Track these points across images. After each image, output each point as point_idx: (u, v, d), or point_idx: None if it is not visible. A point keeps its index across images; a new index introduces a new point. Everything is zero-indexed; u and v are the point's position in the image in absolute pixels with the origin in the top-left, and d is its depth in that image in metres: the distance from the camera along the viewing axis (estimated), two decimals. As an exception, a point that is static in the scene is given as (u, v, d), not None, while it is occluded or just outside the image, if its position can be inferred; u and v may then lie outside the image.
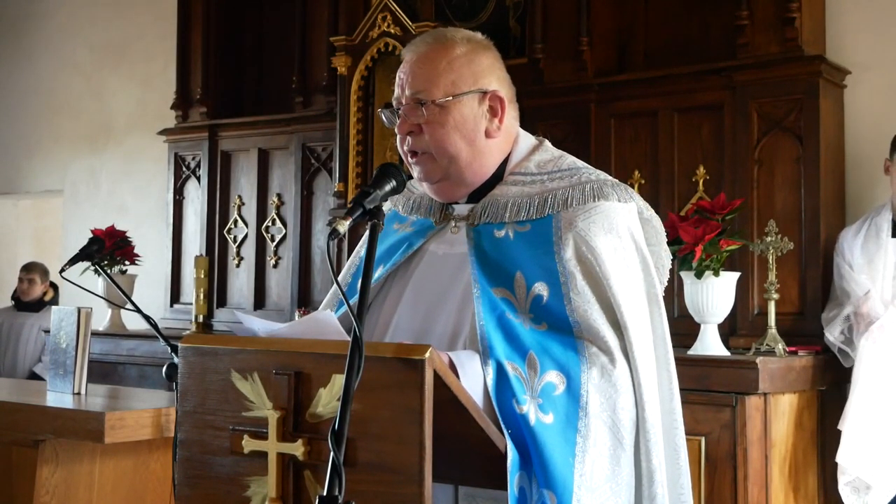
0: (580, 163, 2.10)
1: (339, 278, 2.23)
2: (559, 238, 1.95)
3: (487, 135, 2.04)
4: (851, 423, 4.10)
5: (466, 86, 2.01)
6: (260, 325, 1.90)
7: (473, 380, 1.80)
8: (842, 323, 4.30)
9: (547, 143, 2.14)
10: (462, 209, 2.09)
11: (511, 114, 2.08)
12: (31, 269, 7.33)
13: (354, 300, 1.65)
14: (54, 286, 7.50)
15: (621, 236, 1.98)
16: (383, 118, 2.10)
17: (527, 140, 2.13)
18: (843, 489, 4.12)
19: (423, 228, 2.12)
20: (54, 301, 7.37)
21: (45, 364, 6.94)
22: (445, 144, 2.00)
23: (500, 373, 1.82)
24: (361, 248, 2.25)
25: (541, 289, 1.92)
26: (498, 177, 2.07)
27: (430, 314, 2.01)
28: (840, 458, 4.10)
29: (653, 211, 2.11)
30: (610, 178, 2.06)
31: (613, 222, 1.98)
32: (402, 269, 2.10)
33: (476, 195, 2.07)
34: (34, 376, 6.84)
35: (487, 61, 2.06)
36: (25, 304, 7.32)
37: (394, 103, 2.06)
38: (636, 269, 1.99)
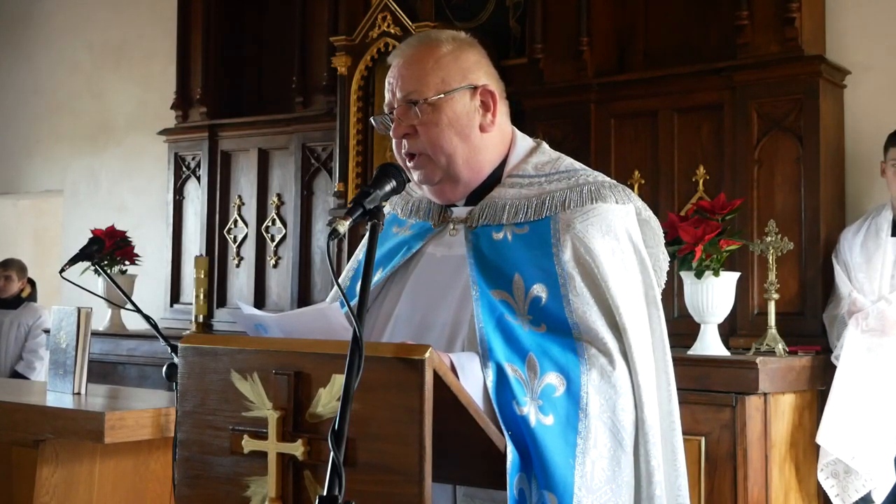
0: (578, 164, 2.10)
1: (339, 280, 2.23)
2: (557, 240, 1.96)
3: (482, 129, 2.05)
4: (832, 406, 4.14)
5: (456, 82, 2.02)
6: (262, 313, 1.91)
7: (473, 382, 1.80)
8: (838, 324, 4.33)
9: (544, 144, 2.15)
10: (460, 211, 2.09)
11: (502, 110, 2.08)
12: (8, 266, 7.20)
13: (354, 301, 1.65)
14: (32, 282, 7.39)
15: (619, 238, 1.99)
16: (376, 126, 2.10)
17: (524, 142, 2.13)
18: (822, 474, 4.16)
19: (422, 231, 2.13)
20: (32, 297, 7.29)
21: (26, 362, 6.90)
22: (441, 142, 2.00)
23: (500, 375, 1.82)
24: (360, 251, 2.25)
25: (539, 290, 1.92)
26: (496, 179, 2.08)
27: (427, 315, 2.01)
28: (820, 438, 4.13)
29: (651, 212, 2.11)
30: (608, 179, 2.06)
31: (611, 224, 1.98)
32: (400, 271, 2.10)
33: (474, 197, 2.07)
34: (16, 375, 6.79)
35: (474, 57, 2.07)
36: (2, 302, 7.17)
37: (385, 109, 2.06)
38: (634, 271, 2.00)
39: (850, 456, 4.08)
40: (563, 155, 2.13)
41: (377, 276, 2.09)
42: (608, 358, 1.88)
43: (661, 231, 2.15)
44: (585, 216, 1.97)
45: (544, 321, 1.90)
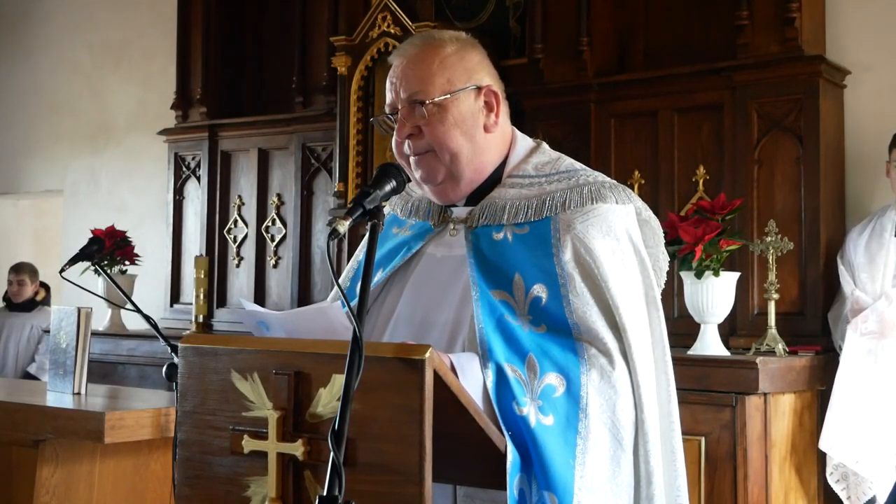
0: (578, 164, 2.10)
1: (339, 281, 2.23)
2: (558, 240, 1.96)
3: (486, 129, 2.05)
4: (834, 410, 4.14)
5: (461, 82, 2.02)
6: (264, 310, 1.92)
7: (474, 382, 1.80)
8: (842, 324, 4.34)
9: (544, 145, 2.15)
10: (460, 212, 2.09)
11: (504, 110, 2.09)
12: (21, 271, 7.19)
13: (354, 301, 1.65)
14: (45, 286, 7.40)
15: (619, 239, 1.99)
16: (378, 126, 2.10)
17: (524, 142, 2.14)
18: (831, 477, 4.17)
19: (422, 231, 2.13)
20: (46, 301, 7.30)
21: (39, 364, 6.89)
22: (447, 141, 2.00)
23: (500, 375, 1.82)
24: (360, 252, 2.25)
25: (539, 291, 1.92)
26: (496, 179, 2.08)
27: (428, 315, 2.01)
28: (823, 444, 4.13)
29: (651, 212, 2.11)
30: (608, 179, 2.06)
31: (611, 225, 1.98)
32: (401, 271, 2.10)
33: (474, 198, 2.07)
34: (28, 377, 6.78)
35: (477, 58, 2.07)
36: (17, 305, 7.21)
37: (387, 109, 2.05)
38: (634, 271, 2.00)
39: (853, 460, 4.08)
40: (563, 155, 2.13)
41: (377, 277, 2.10)
42: (608, 358, 1.88)
43: (661, 231, 2.15)
44: (586, 217, 1.97)
45: (544, 321, 1.90)
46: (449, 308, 1.99)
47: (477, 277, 1.96)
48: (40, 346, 6.98)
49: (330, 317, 1.80)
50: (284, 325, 1.88)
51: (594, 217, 1.97)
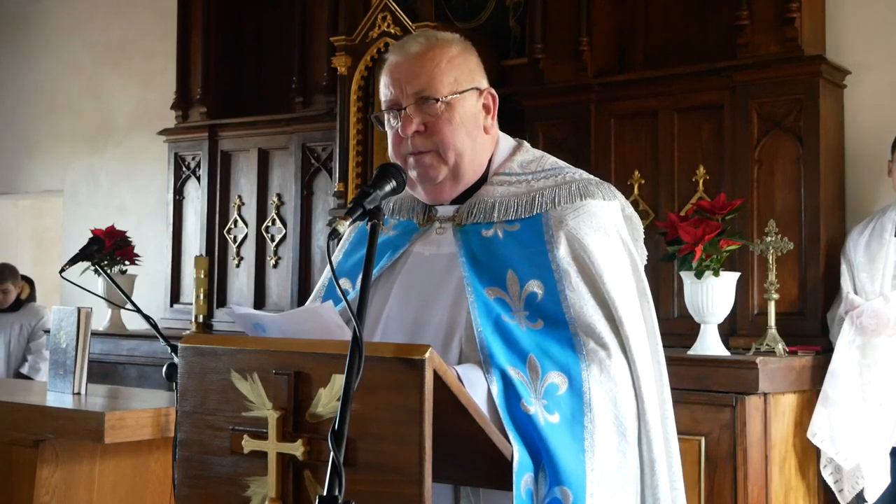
0: (562, 162, 2.14)
1: (319, 284, 2.24)
2: (551, 236, 1.98)
3: (485, 131, 2.08)
4: (821, 401, 4.15)
5: (466, 83, 2.04)
6: (257, 312, 1.92)
7: (479, 393, 1.81)
8: (838, 324, 4.34)
9: (526, 144, 2.19)
10: (446, 210, 2.10)
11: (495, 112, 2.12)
12: (2, 279, 6.92)
13: (352, 297, 1.66)
14: (29, 281, 7.25)
15: (609, 234, 2.02)
16: (378, 124, 2.11)
17: (507, 141, 2.16)
18: (825, 470, 4.19)
19: (407, 231, 2.13)
20: (32, 297, 7.18)
21: (31, 364, 6.82)
22: (454, 141, 2.01)
23: (505, 380, 1.84)
24: (339, 253, 2.24)
25: (535, 286, 1.94)
26: (482, 178, 2.09)
27: (421, 315, 2.01)
28: (809, 432, 4.13)
29: (632, 208, 2.16)
30: (592, 176, 2.10)
31: (601, 220, 2.02)
32: (387, 272, 2.10)
33: (459, 197, 2.09)
34: (20, 377, 6.72)
35: (476, 60, 2.11)
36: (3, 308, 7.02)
37: (386, 105, 2.06)
38: (626, 265, 2.04)
39: (834, 451, 4.10)
40: (546, 153, 2.17)
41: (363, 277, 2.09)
42: (606, 351, 1.91)
43: (641, 227, 2.19)
44: (576, 213, 2.01)
45: (541, 317, 1.92)
46: (442, 308, 2.00)
47: (470, 277, 1.97)
48: (31, 344, 6.88)
49: (323, 317, 1.80)
50: (279, 325, 1.88)
51: (584, 213, 2.01)
